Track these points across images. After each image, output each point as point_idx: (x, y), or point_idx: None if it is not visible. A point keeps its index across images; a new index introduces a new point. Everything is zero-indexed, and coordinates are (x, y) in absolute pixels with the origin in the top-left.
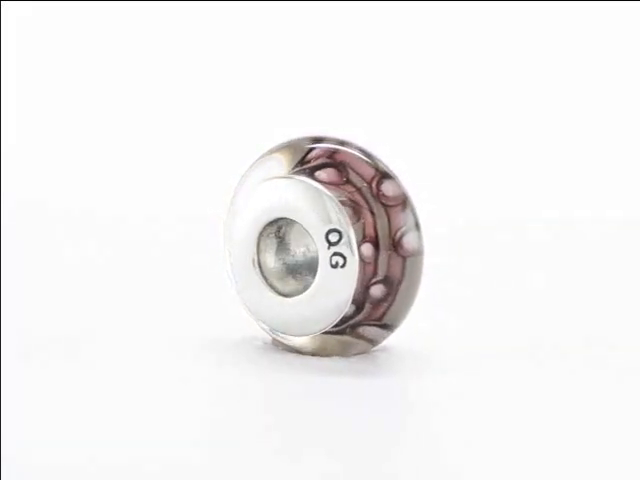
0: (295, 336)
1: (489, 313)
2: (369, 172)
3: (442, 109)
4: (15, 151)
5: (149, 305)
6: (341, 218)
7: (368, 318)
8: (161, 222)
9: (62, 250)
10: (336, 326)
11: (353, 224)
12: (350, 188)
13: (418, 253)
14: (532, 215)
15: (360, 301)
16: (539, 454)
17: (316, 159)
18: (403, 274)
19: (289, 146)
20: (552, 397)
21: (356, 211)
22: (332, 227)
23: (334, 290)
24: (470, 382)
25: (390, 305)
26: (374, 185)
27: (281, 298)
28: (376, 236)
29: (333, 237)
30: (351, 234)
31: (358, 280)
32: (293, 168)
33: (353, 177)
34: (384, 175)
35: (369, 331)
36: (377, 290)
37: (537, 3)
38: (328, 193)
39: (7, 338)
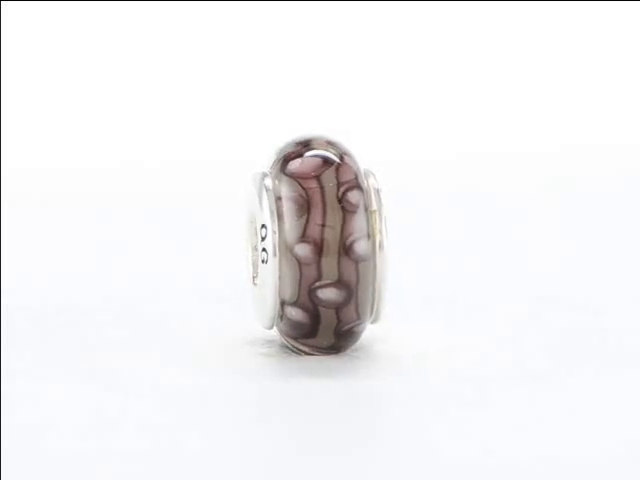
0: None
1: (468, 307)
2: (347, 176)
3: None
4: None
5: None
6: (269, 214)
7: (350, 320)
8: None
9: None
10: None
11: (294, 220)
12: (312, 184)
13: (369, 258)
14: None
15: (307, 305)
16: (518, 449)
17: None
18: (358, 278)
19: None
20: (530, 392)
21: (301, 208)
22: (262, 222)
23: (264, 285)
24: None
25: (357, 306)
26: (343, 189)
27: (252, 286)
28: (322, 238)
29: (263, 232)
30: (276, 232)
31: (294, 281)
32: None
33: (327, 175)
34: (358, 186)
35: (363, 327)
36: (330, 294)
37: None
38: (269, 187)
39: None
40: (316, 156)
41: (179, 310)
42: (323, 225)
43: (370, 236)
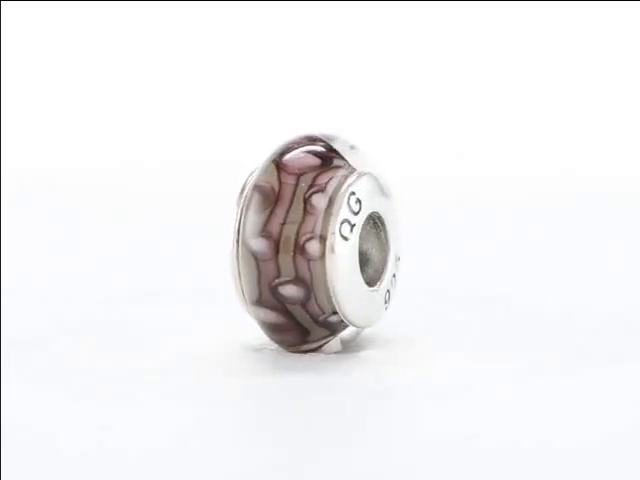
0: None
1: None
2: (322, 180)
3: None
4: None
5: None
6: (238, 204)
7: (318, 314)
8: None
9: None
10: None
11: (257, 213)
12: (290, 180)
13: (319, 258)
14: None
15: (273, 303)
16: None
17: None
18: (311, 276)
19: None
20: (522, 388)
21: (266, 200)
22: None
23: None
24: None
25: (317, 303)
26: (311, 190)
27: None
28: (280, 235)
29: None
30: (237, 224)
31: (252, 278)
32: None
33: (308, 176)
34: (324, 190)
35: (336, 318)
36: (291, 290)
37: None
38: (245, 183)
39: None
40: (316, 156)
41: (178, 309)
42: (284, 222)
43: (322, 240)
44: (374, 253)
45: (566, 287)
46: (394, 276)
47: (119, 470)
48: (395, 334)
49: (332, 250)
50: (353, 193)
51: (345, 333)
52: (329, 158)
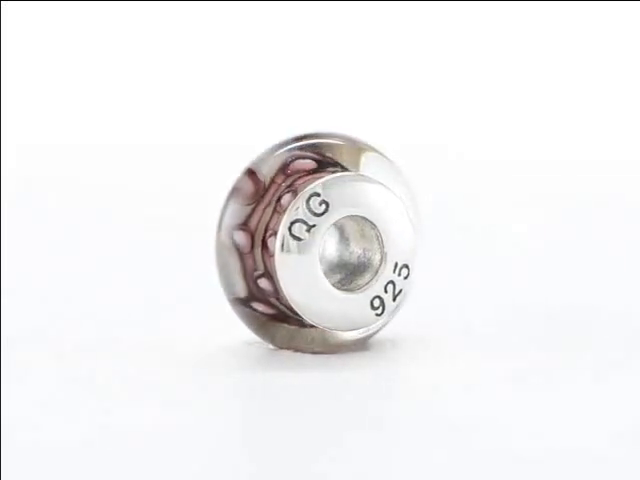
0: None
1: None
2: (299, 182)
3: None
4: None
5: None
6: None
7: (293, 308)
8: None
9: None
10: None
11: (243, 204)
12: (279, 179)
13: (274, 254)
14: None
15: (259, 296)
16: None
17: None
18: (274, 270)
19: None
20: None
21: (255, 195)
22: None
23: None
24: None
25: (284, 297)
26: (285, 190)
27: None
28: (256, 229)
29: None
30: (221, 214)
31: (239, 271)
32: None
33: (293, 177)
34: (295, 191)
35: None
36: (264, 284)
37: None
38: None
39: None
40: (315, 160)
41: (177, 308)
42: (260, 219)
43: (275, 235)
44: (375, 258)
45: (568, 287)
46: (391, 283)
47: (119, 470)
48: (395, 334)
49: (281, 248)
50: (317, 194)
51: (351, 334)
52: (326, 163)
